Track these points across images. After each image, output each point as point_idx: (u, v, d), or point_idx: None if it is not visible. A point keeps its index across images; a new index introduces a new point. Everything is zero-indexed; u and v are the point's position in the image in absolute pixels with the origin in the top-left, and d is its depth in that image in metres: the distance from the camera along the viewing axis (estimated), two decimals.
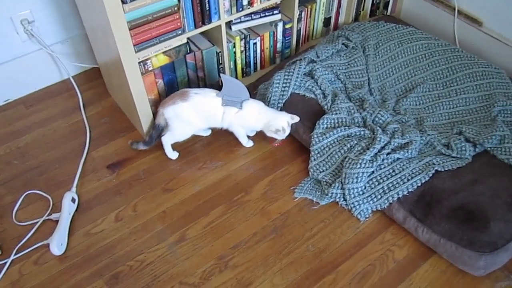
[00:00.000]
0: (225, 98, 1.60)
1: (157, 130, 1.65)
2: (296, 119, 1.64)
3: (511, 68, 1.94)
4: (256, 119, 1.65)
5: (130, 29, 1.46)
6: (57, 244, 1.43)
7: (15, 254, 1.44)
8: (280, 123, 1.60)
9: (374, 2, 2.26)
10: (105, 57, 1.75)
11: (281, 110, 1.74)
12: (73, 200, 1.56)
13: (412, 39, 1.95)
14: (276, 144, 1.76)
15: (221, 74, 1.62)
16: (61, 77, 2.07)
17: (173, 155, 1.72)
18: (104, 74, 1.96)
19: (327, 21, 2.18)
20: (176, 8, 1.54)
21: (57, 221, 1.50)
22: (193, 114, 1.62)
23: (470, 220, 1.35)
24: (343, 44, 1.94)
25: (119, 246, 1.47)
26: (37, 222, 1.53)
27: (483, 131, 1.59)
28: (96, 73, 2.07)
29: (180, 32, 1.61)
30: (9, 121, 1.89)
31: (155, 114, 1.75)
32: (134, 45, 1.51)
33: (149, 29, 1.51)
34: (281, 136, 1.64)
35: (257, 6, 1.78)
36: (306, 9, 2.04)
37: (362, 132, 1.63)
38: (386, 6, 2.32)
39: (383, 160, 1.54)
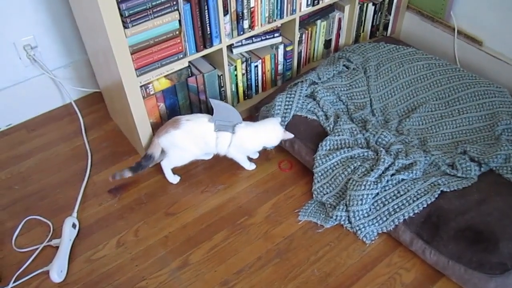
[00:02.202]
0: (217, 123, 1.58)
1: (147, 160, 1.62)
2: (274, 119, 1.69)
3: None
4: (252, 140, 1.64)
5: (131, 54, 1.47)
6: (57, 271, 1.41)
7: (14, 282, 1.42)
8: (276, 138, 1.64)
9: (374, 23, 2.28)
10: (107, 81, 1.75)
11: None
12: (73, 225, 1.54)
13: (413, 59, 1.95)
14: (285, 170, 1.75)
15: (210, 99, 1.60)
16: (63, 102, 2.08)
17: (174, 179, 1.70)
18: (106, 98, 1.97)
19: (327, 43, 2.19)
20: (177, 32, 1.55)
21: (57, 247, 1.48)
22: (187, 141, 1.61)
23: (479, 241, 1.32)
24: (344, 65, 1.94)
25: (120, 273, 1.44)
26: (37, 248, 1.50)
27: (487, 150, 1.58)
28: (98, 97, 2.08)
29: (181, 56, 1.61)
30: (11, 146, 1.89)
31: None
32: (135, 69, 1.51)
33: (150, 53, 1.52)
34: (288, 135, 1.66)
35: (258, 29, 1.79)
36: (306, 31, 2.05)
37: (366, 153, 1.62)
38: (385, 28, 2.34)
39: (387, 181, 1.52)
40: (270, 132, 1.64)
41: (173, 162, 1.67)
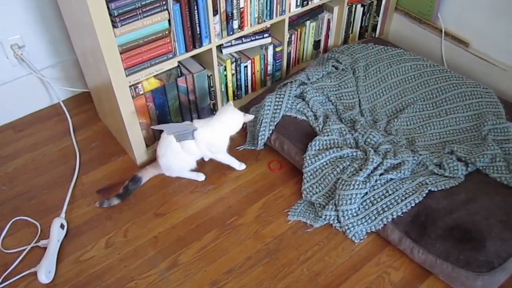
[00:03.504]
0: (175, 135, 1.57)
1: (135, 183, 1.64)
2: (231, 103, 1.64)
3: (499, 88, 1.97)
4: (216, 136, 1.61)
5: (121, 53, 1.46)
6: (45, 272, 1.39)
7: (1, 283, 1.40)
8: (236, 125, 1.61)
9: (363, 25, 2.30)
10: (95, 81, 1.74)
11: (273, 132, 1.74)
12: (62, 226, 1.53)
13: (401, 60, 1.97)
14: (275, 170, 1.76)
15: (152, 127, 1.62)
16: (51, 102, 2.06)
17: (199, 176, 1.72)
18: (94, 98, 1.95)
19: (316, 44, 2.21)
20: (167, 32, 1.54)
21: (45, 248, 1.46)
22: (178, 159, 1.62)
23: (466, 240, 1.34)
24: (333, 66, 1.96)
25: (109, 273, 1.44)
26: (25, 249, 1.49)
27: (474, 150, 1.60)
28: (86, 97, 2.06)
29: (171, 55, 1.61)
30: None
31: (146, 138, 1.74)
32: (125, 69, 1.51)
33: (140, 52, 1.52)
34: (250, 116, 1.62)
35: (247, 30, 1.80)
36: (296, 32, 2.06)
37: (355, 153, 1.63)
38: (374, 29, 2.36)
39: (376, 181, 1.53)
40: (228, 122, 1.60)
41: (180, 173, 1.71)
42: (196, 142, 1.58)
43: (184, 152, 1.60)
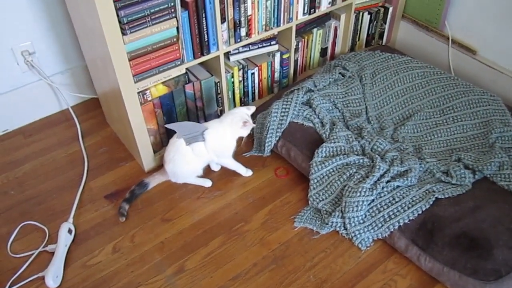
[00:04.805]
0: (185, 138, 1.58)
1: (141, 187, 1.67)
2: (252, 108, 1.65)
3: (506, 95, 1.97)
4: (224, 138, 1.62)
5: (129, 60, 1.48)
6: (53, 276, 1.40)
7: (9, 287, 1.41)
8: (240, 117, 1.60)
9: (370, 32, 2.31)
10: (104, 88, 1.76)
11: (279, 139, 1.75)
12: (69, 231, 1.54)
13: (408, 68, 1.97)
14: (281, 176, 1.76)
15: (166, 125, 1.61)
16: (60, 108, 2.08)
17: (206, 182, 1.72)
18: (103, 104, 1.97)
19: (323, 51, 2.22)
20: (175, 39, 1.56)
21: (53, 253, 1.47)
22: (186, 161, 1.62)
23: (473, 248, 1.33)
24: (340, 73, 1.96)
25: (116, 278, 1.44)
26: (33, 253, 1.50)
27: (481, 158, 1.60)
28: (95, 103, 2.08)
29: (179, 62, 1.62)
30: (7, 151, 1.89)
31: (153, 144, 1.75)
32: (133, 76, 1.52)
33: (148, 59, 1.53)
34: (249, 127, 1.61)
35: (255, 37, 1.81)
36: (303, 39, 2.07)
37: (361, 160, 1.63)
38: (381, 36, 2.37)
39: (383, 188, 1.53)
40: (235, 123, 1.60)
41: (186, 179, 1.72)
42: (205, 144, 1.59)
43: (194, 156, 1.61)
